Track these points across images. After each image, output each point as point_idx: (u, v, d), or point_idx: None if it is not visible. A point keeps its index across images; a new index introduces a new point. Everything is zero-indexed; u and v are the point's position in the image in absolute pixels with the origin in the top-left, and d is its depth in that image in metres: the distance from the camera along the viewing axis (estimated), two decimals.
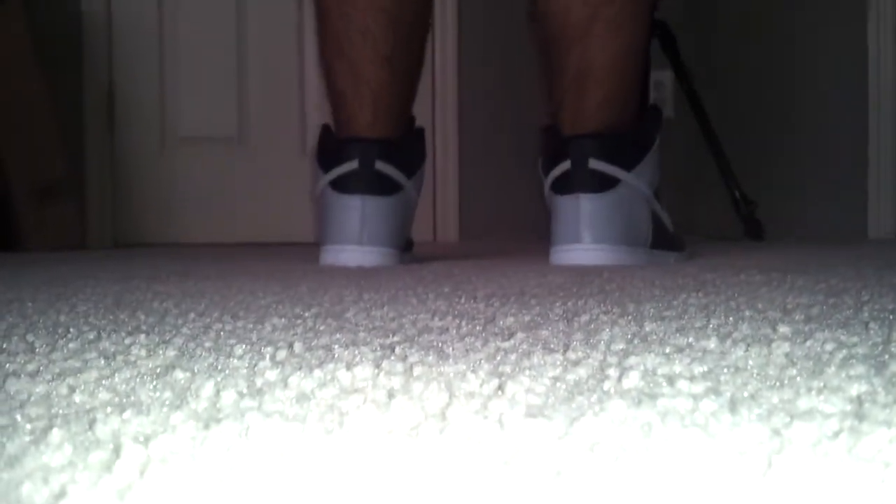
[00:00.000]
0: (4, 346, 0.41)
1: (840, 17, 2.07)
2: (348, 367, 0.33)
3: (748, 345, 0.37)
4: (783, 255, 1.24)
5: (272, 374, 0.32)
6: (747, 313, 0.49)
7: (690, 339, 0.40)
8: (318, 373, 0.32)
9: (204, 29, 2.31)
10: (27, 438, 0.24)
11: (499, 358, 0.36)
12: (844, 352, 0.36)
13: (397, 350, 0.38)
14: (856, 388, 0.29)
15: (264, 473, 0.21)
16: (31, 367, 0.35)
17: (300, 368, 0.34)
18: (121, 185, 2.27)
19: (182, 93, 2.29)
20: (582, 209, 1.01)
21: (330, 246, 1.07)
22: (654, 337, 0.41)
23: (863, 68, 2.00)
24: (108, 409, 0.28)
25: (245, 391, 0.30)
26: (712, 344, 0.38)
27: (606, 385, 0.31)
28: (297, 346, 0.39)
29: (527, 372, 0.33)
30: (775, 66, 2.26)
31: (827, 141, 2.12)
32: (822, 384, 0.30)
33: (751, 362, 0.34)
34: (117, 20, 2.24)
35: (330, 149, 1.10)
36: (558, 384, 0.31)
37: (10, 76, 1.87)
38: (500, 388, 0.30)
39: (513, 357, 0.36)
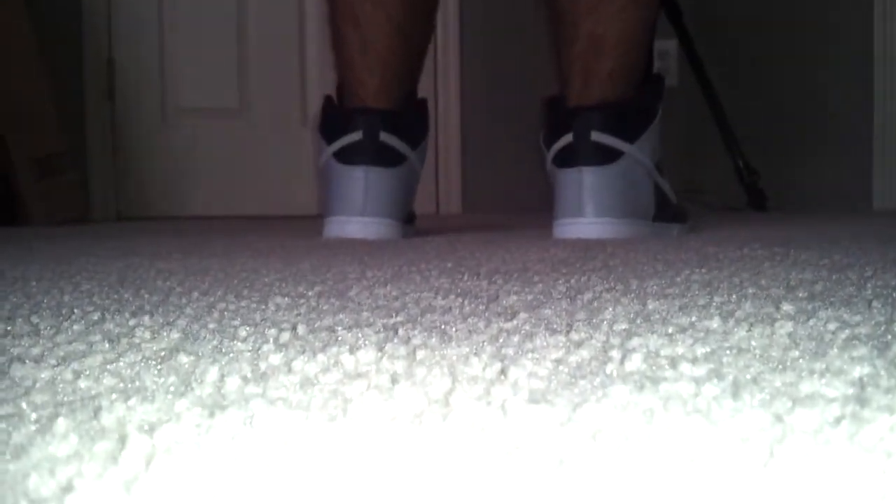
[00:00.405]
0: (9, 328, 0.41)
1: None
2: (352, 350, 0.33)
3: (751, 324, 0.37)
4: (786, 227, 1.24)
5: (276, 358, 0.33)
6: (750, 290, 0.49)
7: (693, 319, 0.40)
8: (321, 357, 0.32)
9: None
10: (33, 428, 0.24)
11: (501, 340, 0.36)
12: (847, 332, 0.36)
13: (400, 332, 0.38)
14: (858, 371, 0.29)
15: (269, 463, 0.21)
16: (35, 351, 0.35)
17: (304, 352, 0.34)
18: (122, 158, 2.26)
19: (182, 64, 2.28)
20: (584, 182, 1.00)
21: (333, 217, 1.07)
22: (657, 316, 0.41)
23: (868, 36, 1.98)
24: (114, 396, 0.28)
25: (249, 376, 0.30)
26: (715, 323, 0.38)
27: (609, 368, 0.31)
28: (301, 329, 0.39)
29: (529, 354, 0.33)
30: (780, 35, 2.24)
31: (831, 110, 2.11)
32: (824, 366, 0.30)
33: (754, 343, 0.34)
34: None
35: (334, 120, 1.10)
36: (561, 367, 0.31)
37: (9, 50, 1.86)
38: (503, 371, 0.30)
39: (515, 339, 0.36)
